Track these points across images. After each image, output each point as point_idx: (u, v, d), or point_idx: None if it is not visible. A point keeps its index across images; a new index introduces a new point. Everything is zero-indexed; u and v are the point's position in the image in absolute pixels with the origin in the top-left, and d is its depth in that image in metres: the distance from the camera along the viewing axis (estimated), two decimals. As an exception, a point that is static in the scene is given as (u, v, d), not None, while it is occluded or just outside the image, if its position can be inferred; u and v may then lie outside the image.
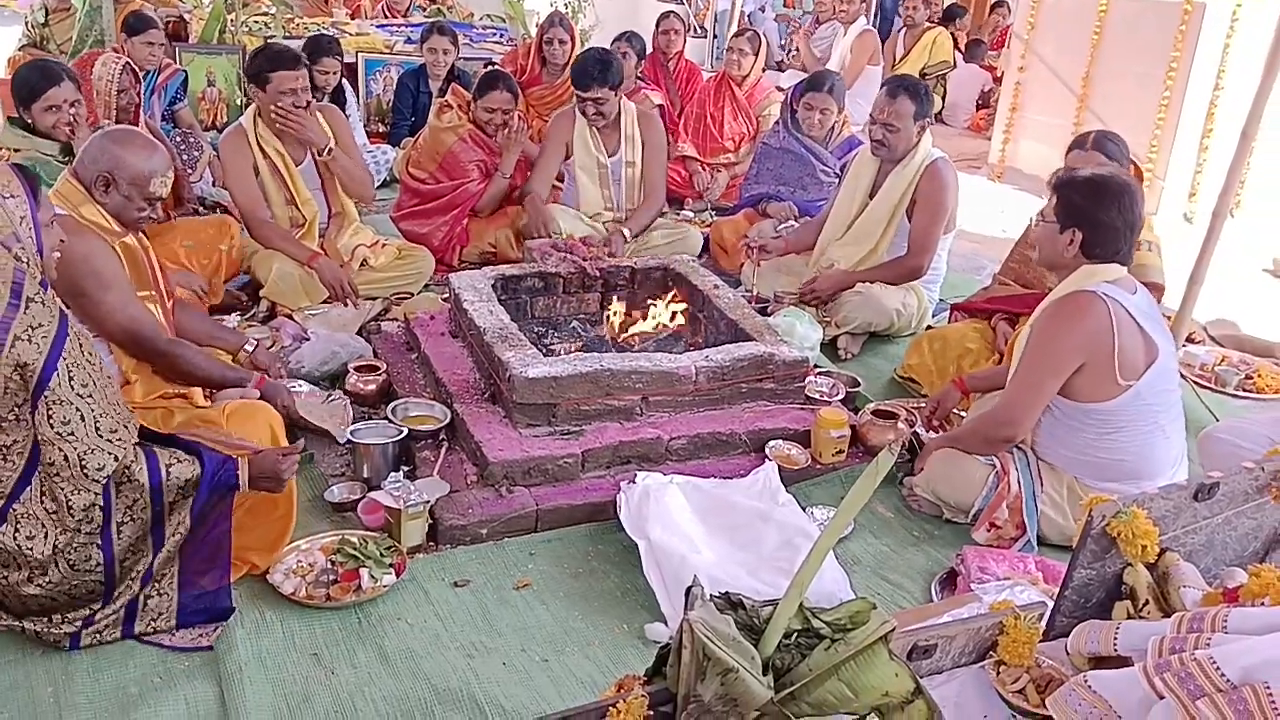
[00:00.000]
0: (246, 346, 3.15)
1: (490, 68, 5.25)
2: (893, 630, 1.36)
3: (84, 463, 2.10)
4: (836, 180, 4.55)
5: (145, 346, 2.71)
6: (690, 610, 1.27)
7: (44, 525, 2.13)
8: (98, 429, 2.11)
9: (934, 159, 4.04)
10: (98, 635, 2.24)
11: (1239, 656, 1.26)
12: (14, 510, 2.12)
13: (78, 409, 2.09)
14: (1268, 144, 5.59)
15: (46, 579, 2.16)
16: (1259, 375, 4.05)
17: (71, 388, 2.08)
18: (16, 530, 2.12)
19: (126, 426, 2.20)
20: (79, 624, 2.23)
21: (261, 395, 2.90)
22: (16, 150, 3.69)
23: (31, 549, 2.12)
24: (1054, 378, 2.71)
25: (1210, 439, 3.14)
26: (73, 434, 2.09)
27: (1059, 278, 2.82)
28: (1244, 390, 3.98)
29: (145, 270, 2.81)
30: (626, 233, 4.36)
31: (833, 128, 4.89)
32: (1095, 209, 2.69)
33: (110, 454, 2.13)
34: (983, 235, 5.91)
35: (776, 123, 5.21)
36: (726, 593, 1.39)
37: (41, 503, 2.13)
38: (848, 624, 1.37)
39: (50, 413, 2.06)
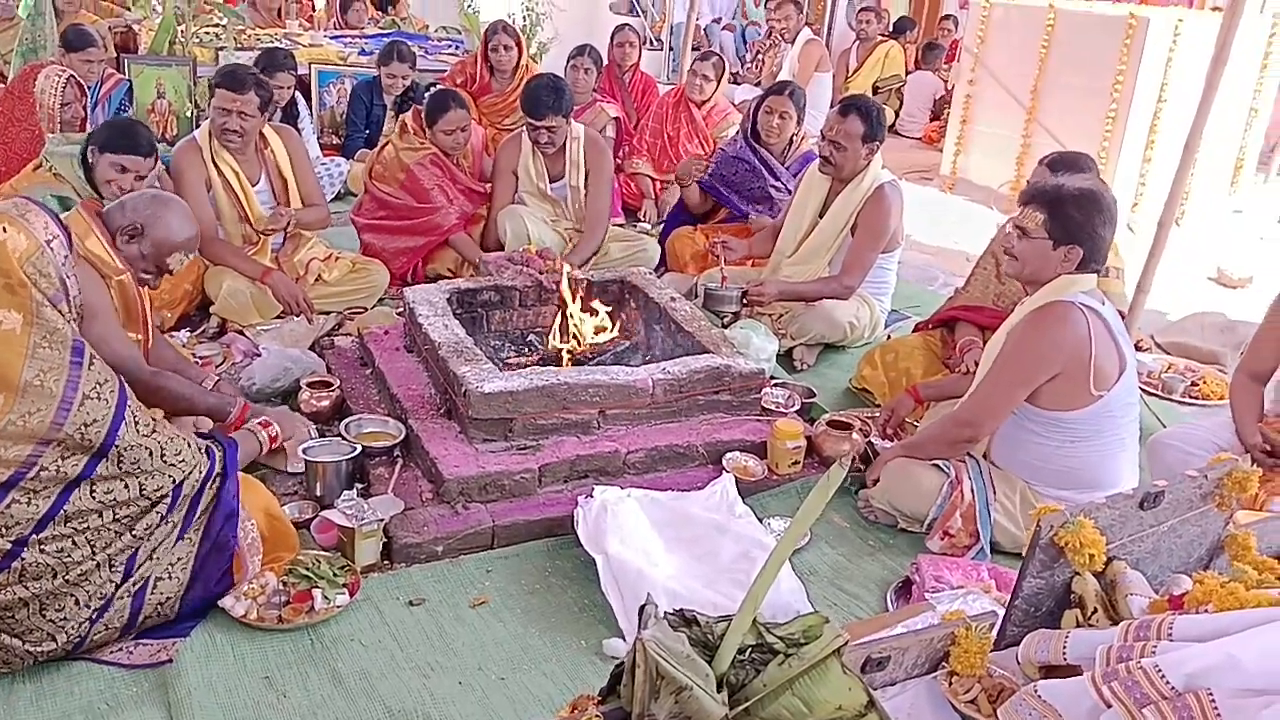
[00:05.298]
0: (206, 383, 3.10)
1: (435, 88, 5.22)
2: (846, 644, 1.36)
3: (143, 487, 2.22)
4: (787, 195, 4.57)
5: (130, 379, 2.66)
6: (644, 629, 1.27)
7: (75, 541, 2.15)
8: (163, 457, 2.24)
9: (881, 182, 4.06)
10: (105, 626, 2.23)
11: (1183, 664, 1.28)
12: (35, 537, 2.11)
13: (146, 448, 2.21)
14: (1208, 157, 5.74)
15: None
16: (1204, 382, 4.14)
17: (138, 431, 2.20)
18: (42, 550, 2.11)
19: (188, 443, 2.32)
20: (86, 623, 2.19)
21: (248, 419, 2.93)
22: (57, 176, 3.59)
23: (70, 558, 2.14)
24: (1024, 386, 2.74)
25: (1158, 445, 3.20)
26: (141, 469, 2.21)
27: (1030, 290, 2.83)
28: (1190, 397, 4.07)
29: (135, 309, 2.85)
30: (566, 268, 4.29)
31: (791, 139, 4.92)
32: (1094, 224, 2.69)
33: (170, 476, 2.25)
34: (935, 247, 5.99)
35: (737, 132, 5.25)
36: (680, 610, 1.38)
37: (76, 523, 2.14)
38: (801, 638, 1.38)
39: (120, 457, 2.16)
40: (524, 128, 4.64)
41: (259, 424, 2.89)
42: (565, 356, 3.47)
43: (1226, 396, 3.90)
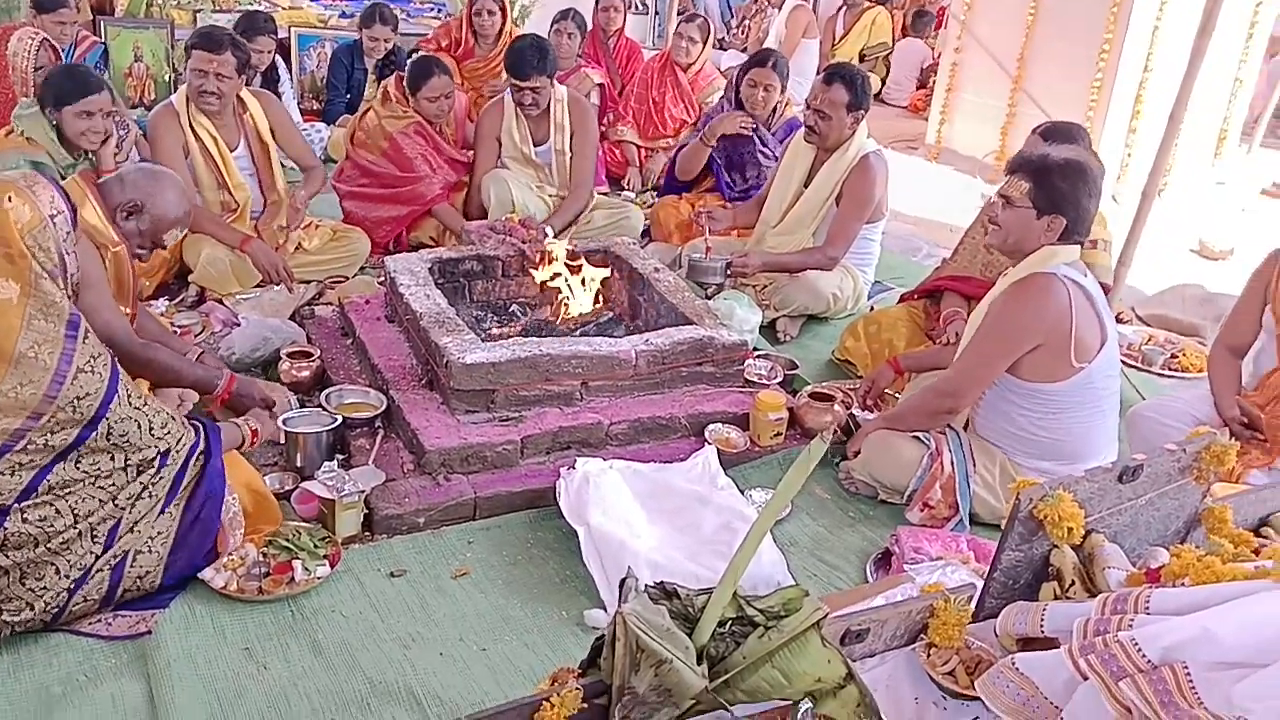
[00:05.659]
0: (189, 355, 3.07)
1: (418, 55, 5.14)
2: (825, 617, 1.37)
3: (128, 459, 2.21)
4: (774, 163, 4.54)
5: (120, 350, 2.64)
6: (624, 602, 1.27)
7: (58, 509, 2.14)
8: (151, 431, 2.24)
9: (866, 152, 4.04)
10: (84, 599, 2.22)
11: (1159, 637, 1.29)
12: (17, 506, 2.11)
13: (135, 421, 2.21)
14: (1193, 127, 5.73)
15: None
16: (1184, 354, 4.16)
17: (130, 404, 2.20)
18: (24, 519, 2.11)
19: (174, 418, 2.32)
20: (65, 593, 2.18)
21: (235, 393, 2.91)
22: (30, 140, 3.54)
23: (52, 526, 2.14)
24: (1005, 357, 2.75)
25: (1137, 417, 3.22)
26: (129, 442, 2.20)
27: (1014, 260, 2.82)
28: (1169, 369, 4.09)
29: (127, 282, 2.85)
30: (549, 230, 4.19)
31: (775, 107, 4.88)
32: (1078, 194, 2.67)
33: (155, 449, 2.25)
34: (919, 217, 5.98)
35: (722, 99, 5.20)
36: (661, 583, 1.38)
37: (59, 492, 2.14)
38: (781, 611, 1.38)
39: (110, 430, 2.15)
40: (507, 91, 4.59)
41: (242, 420, 2.84)
42: (553, 320, 3.47)
43: (1204, 369, 3.94)
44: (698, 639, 1.36)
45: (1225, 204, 6.78)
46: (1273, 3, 6.89)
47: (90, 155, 3.61)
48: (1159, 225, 5.00)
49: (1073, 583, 1.66)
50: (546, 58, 4.42)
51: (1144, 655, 1.30)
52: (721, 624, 1.38)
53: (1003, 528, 1.65)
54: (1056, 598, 1.66)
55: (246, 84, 4.16)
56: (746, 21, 9.46)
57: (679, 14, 8.00)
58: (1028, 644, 1.58)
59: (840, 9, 9.60)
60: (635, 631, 1.23)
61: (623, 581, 1.31)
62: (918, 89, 9.18)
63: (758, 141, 4.82)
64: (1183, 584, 1.49)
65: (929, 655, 1.63)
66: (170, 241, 2.94)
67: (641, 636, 1.23)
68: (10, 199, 2.10)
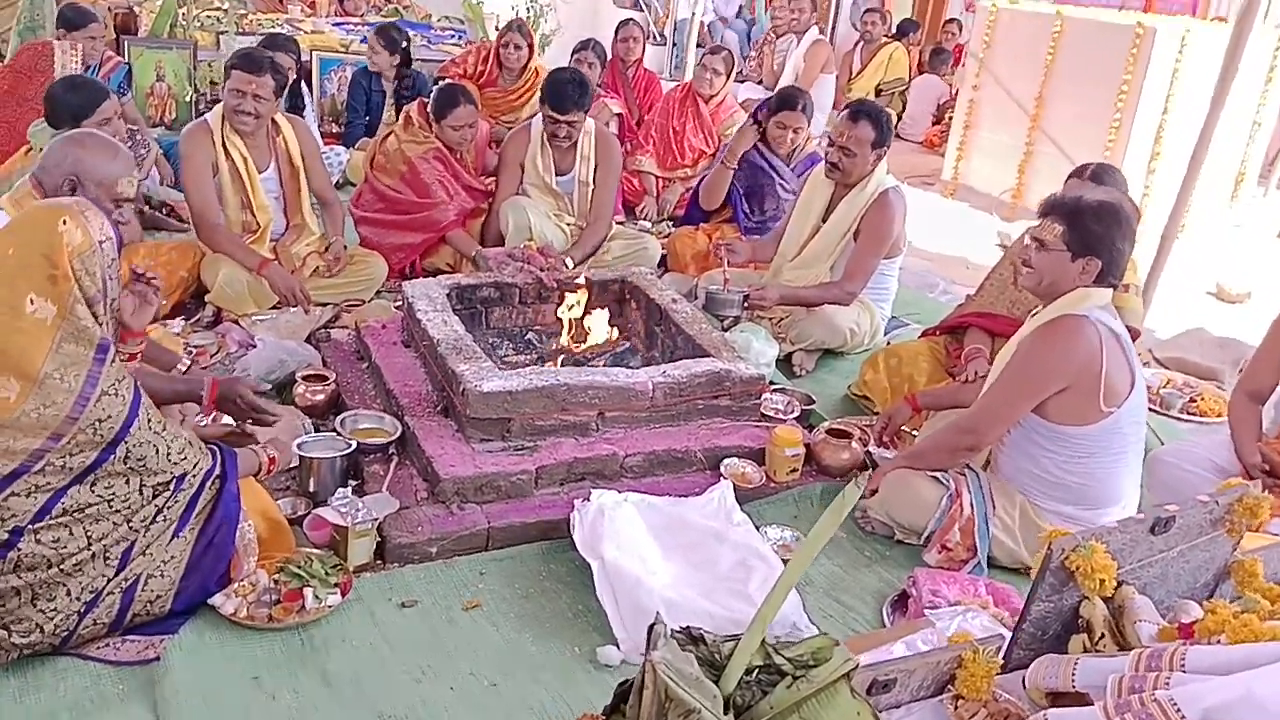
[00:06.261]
0: (179, 368, 3.06)
1: (443, 83, 5.17)
2: (856, 668, 1.34)
3: (144, 483, 2.20)
4: (793, 196, 4.54)
5: None
6: (654, 650, 1.24)
7: (72, 531, 2.13)
8: (169, 456, 2.22)
9: (886, 188, 4.03)
10: (94, 622, 2.19)
11: (1200, 698, 1.26)
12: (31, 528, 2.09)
13: (154, 445, 2.19)
14: (1211, 169, 5.71)
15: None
16: (1202, 399, 4.12)
17: (150, 428, 2.18)
18: (38, 541, 2.08)
19: (191, 443, 2.30)
20: (75, 616, 2.16)
21: (220, 395, 2.78)
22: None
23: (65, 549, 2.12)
24: (1030, 398, 2.72)
25: (1157, 463, 3.19)
26: (146, 466, 2.19)
27: (1045, 301, 2.79)
28: (1188, 413, 4.05)
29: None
30: (569, 261, 4.21)
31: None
32: (1113, 236, 2.66)
33: (171, 474, 2.23)
34: (935, 253, 5.96)
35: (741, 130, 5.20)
36: (688, 627, 1.35)
37: (73, 515, 2.12)
38: (810, 660, 1.35)
39: (129, 453, 2.14)
40: (536, 118, 4.60)
41: (260, 446, 2.79)
42: (563, 355, 3.45)
43: (1223, 414, 3.90)
44: (724, 686, 1.33)
45: (1241, 247, 6.75)
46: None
47: None
48: (1176, 267, 4.98)
49: (1103, 635, 1.63)
50: (585, 93, 4.45)
51: (1183, 716, 1.27)
52: (748, 672, 1.35)
53: (1033, 578, 1.62)
54: (1086, 650, 1.62)
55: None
56: (760, 51, 9.49)
57: (698, 46, 8.04)
58: (1057, 698, 1.55)
59: (857, 44, 9.64)
60: (665, 680, 1.20)
61: (651, 626, 1.28)
62: (933, 124, 9.20)
63: (776, 175, 4.82)
64: (1218, 641, 1.46)
65: (956, 707, 1.60)
66: (129, 191, 2.69)
67: (671, 686, 1.20)
68: (65, 221, 2.10)
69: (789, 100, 4.84)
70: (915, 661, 1.58)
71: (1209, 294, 5.71)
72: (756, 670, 1.37)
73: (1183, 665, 1.38)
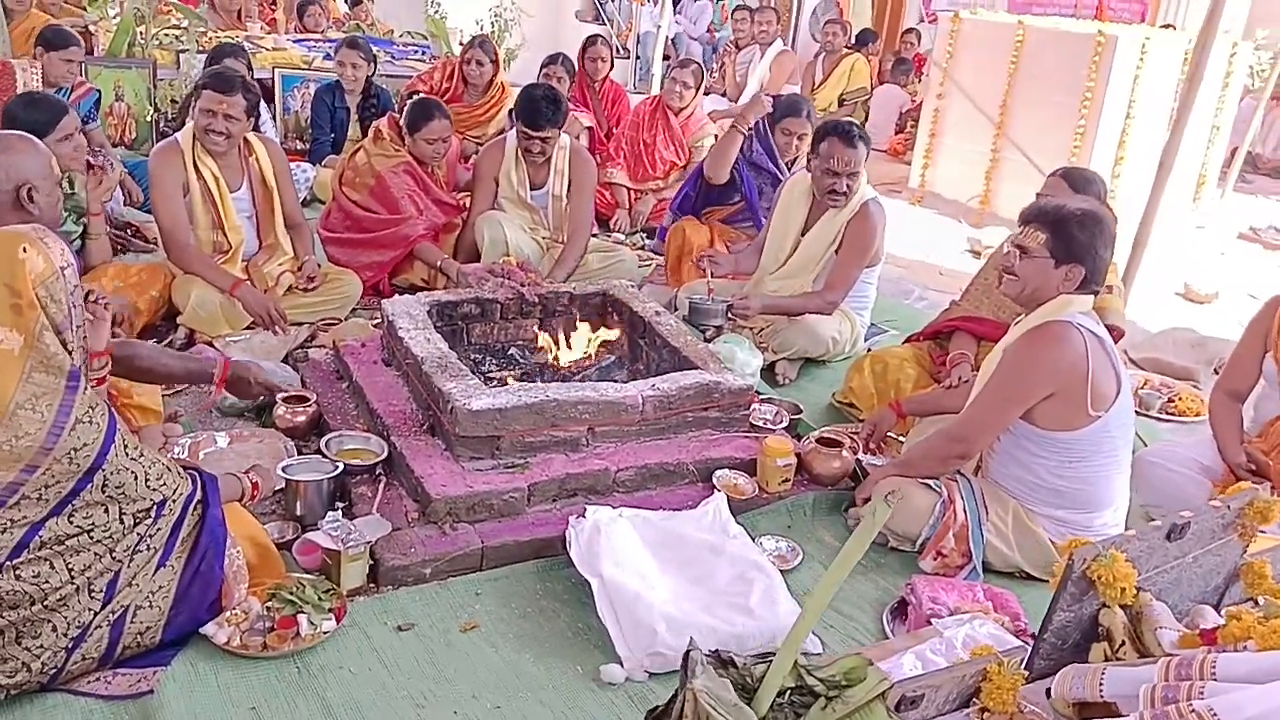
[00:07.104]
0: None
1: (417, 96, 5.12)
2: (891, 688, 1.32)
3: (123, 511, 2.13)
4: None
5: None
6: (694, 678, 1.21)
7: (53, 565, 2.06)
8: (147, 482, 2.16)
9: (867, 199, 4.05)
10: (82, 657, 2.12)
11: (1241, 707, 1.25)
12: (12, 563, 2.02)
13: (132, 471, 2.13)
14: (1174, 173, 5.81)
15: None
16: (1180, 399, 4.17)
17: (127, 454, 2.13)
18: (18, 577, 2.01)
19: (170, 468, 2.24)
20: (63, 652, 2.09)
21: (231, 375, 2.88)
22: None
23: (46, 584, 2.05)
24: (1018, 404, 2.72)
25: (1143, 464, 3.22)
26: (125, 494, 2.12)
27: (1028, 309, 2.81)
28: (1167, 413, 4.10)
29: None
30: (548, 285, 4.14)
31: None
32: (1096, 244, 2.68)
33: (151, 500, 2.17)
34: (908, 260, 6.00)
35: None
36: (717, 651, 1.33)
37: (53, 548, 2.05)
38: (843, 681, 1.33)
39: (106, 480, 2.07)
40: (510, 133, 4.58)
41: (243, 473, 2.75)
42: (550, 370, 3.41)
43: (1201, 413, 3.96)
44: (757, 708, 1.31)
45: (1205, 248, 6.87)
46: (1246, 51, 7.05)
47: (71, 181, 3.53)
48: (1144, 270, 5.05)
49: (1123, 643, 1.62)
50: (559, 109, 4.43)
51: (1223, 724, 1.26)
52: (780, 694, 1.33)
53: (1053, 588, 1.61)
54: (1107, 658, 1.62)
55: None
56: (722, 63, 9.53)
57: (664, 59, 8.05)
58: (1083, 709, 1.54)
59: (818, 55, 9.70)
60: (706, 709, 1.17)
61: (687, 653, 1.25)
62: (896, 133, 9.28)
63: (776, 170, 4.82)
64: (1244, 648, 1.46)
65: (981, 720, 1.58)
66: (63, 167, 2.67)
67: (712, 714, 1.17)
68: (25, 249, 2.03)
69: (794, 107, 4.84)
70: (941, 676, 1.56)
71: (1178, 295, 5.80)
72: (789, 692, 1.34)
73: (1214, 673, 1.37)
